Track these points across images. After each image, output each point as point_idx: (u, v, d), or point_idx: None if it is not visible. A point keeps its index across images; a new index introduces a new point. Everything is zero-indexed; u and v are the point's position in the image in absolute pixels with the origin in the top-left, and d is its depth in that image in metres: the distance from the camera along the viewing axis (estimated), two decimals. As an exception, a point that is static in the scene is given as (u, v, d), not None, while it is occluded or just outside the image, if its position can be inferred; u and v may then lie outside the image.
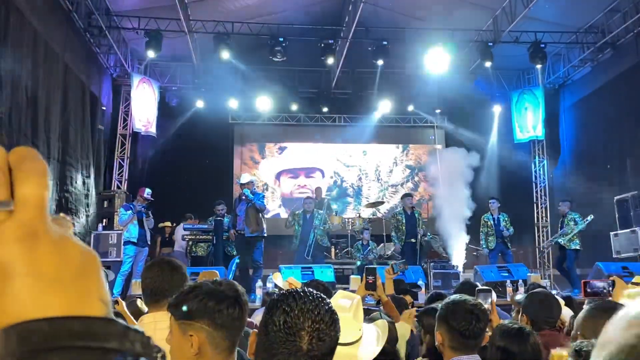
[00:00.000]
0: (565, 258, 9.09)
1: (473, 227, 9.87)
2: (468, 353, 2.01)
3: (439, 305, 2.22)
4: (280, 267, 7.66)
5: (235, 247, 8.94)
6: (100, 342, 0.37)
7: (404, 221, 9.32)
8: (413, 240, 9.20)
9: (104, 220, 9.55)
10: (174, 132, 11.80)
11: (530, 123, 12.35)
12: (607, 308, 1.91)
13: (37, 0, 7.78)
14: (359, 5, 9.24)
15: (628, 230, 8.90)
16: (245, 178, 8.57)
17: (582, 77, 11.73)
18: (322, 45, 10.23)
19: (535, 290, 3.15)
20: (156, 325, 2.09)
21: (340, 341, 1.31)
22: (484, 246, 9.45)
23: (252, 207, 8.25)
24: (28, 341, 0.35)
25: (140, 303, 3.75)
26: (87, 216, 9.57)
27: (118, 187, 11.11)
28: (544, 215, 12.64)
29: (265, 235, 8.44)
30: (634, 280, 2.95)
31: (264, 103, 11.86)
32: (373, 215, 11.39)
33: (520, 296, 3.76)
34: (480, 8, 10.11)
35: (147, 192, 8.44)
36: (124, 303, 3.51)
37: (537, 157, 12.86)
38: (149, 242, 8.51)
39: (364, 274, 3.18)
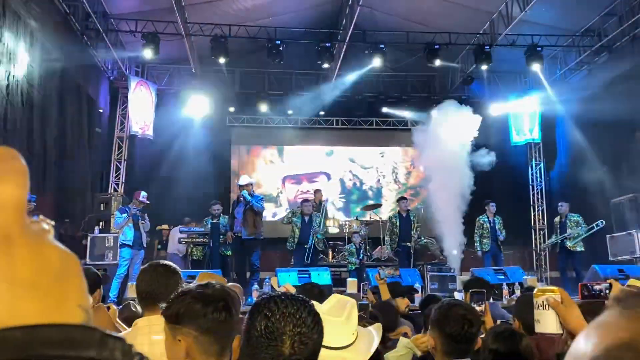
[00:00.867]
0: (574, 261, 9.23)
1: (466, 230, 9.79)
2: (460, 357, 2.02)
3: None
4: (277, 270, 7.65)
5: (231, 249, 8.88)
6: (78, 350, 0.35)
7: (398, 224, 9.34)
8: (408, 243, 9.20)
9: (101, 223, 9.51)
10: (171, 135, 11.75)
11: (526, 126, 12.37)
12: (599, 311, 1.91)
13: (34, 3, 7.78)
14: (356, 8, 9.27)
15: (624, 233, 8.92)
16: (244, 180, 8.53)
17: (578, 80, 11.75)
18: (319, 48, 10.25)
19: (525, 294, 3.15)
20: (151, 328, 2.07)
21: (330, 345, 1.31)
22: (478, 248, 9.44)
23: (250, 209, 8.22)
24: (0, 351, 0.33)
25: (134, 306, 3.73)
26: (84, 219, 9.54)
27: (115, 190, 11.07)
28: (540, 217, 12.65)
29: (262, 238, 8.42)
30: (629, 283, 2.96)
31: (262, 106, 11.86)
32: (373, 218, 11.34)
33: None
34: (477, 11, 10.15)
35: (143, 195, 8.42)
36: (116, 309, 3.47)
37: (533, 160, 12.88)
38: (145, 245, 8.48)
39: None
